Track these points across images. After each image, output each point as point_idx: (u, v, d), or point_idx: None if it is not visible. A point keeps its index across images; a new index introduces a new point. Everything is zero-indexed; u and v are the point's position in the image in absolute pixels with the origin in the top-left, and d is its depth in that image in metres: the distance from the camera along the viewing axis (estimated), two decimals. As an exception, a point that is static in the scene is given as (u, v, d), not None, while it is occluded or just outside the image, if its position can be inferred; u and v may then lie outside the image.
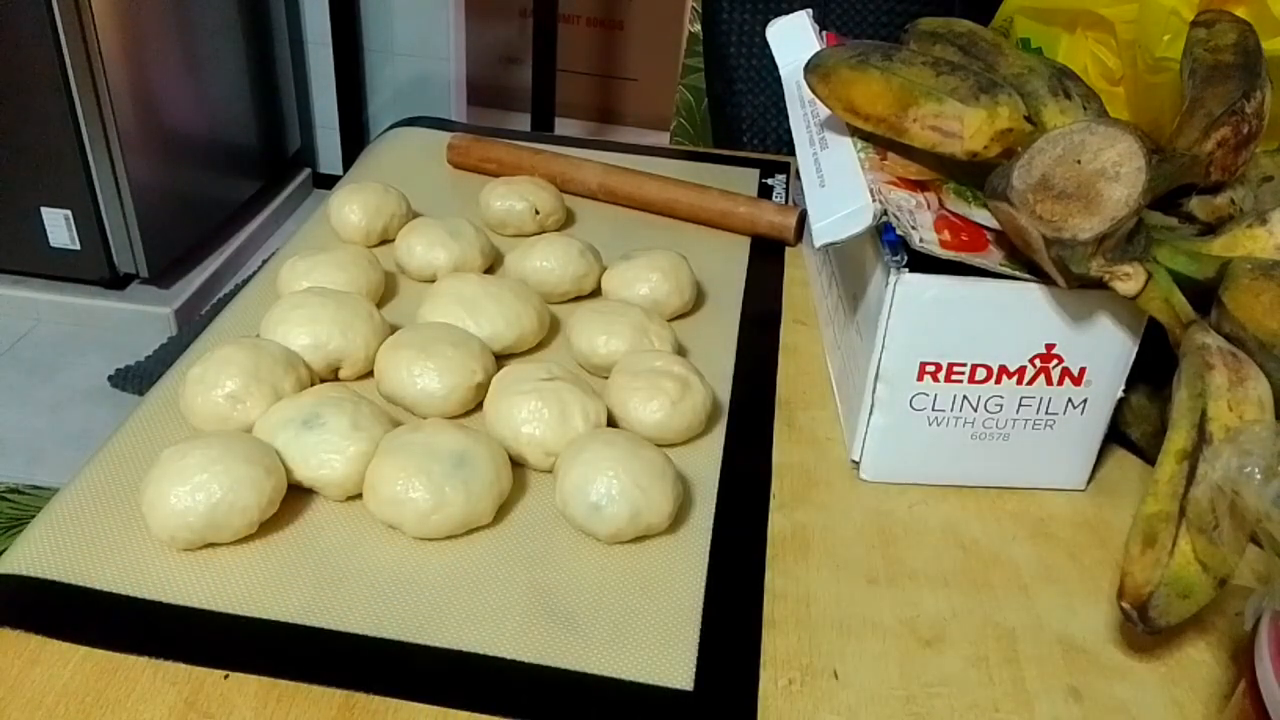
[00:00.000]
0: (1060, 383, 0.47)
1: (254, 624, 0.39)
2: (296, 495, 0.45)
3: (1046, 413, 0.48)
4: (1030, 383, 0.47)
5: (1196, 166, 0.47)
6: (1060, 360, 0.46)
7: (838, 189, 0.50)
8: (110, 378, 1.73)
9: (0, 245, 1.81)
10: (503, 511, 0.45)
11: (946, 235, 0.45)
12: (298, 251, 0.60)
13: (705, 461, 0.50)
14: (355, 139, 2.22)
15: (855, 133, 0.53)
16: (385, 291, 0.60)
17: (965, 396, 0.47)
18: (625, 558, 0.44)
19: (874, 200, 0.47)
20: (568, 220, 0.71)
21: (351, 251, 0.60)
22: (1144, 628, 0.38)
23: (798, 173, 0.55)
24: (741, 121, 1.09)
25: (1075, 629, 0.43)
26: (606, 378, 0.52)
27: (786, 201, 0.78)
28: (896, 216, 0.45)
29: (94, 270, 1.83)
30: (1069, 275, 0.42)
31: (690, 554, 0.44)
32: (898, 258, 0.45)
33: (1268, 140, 0.49)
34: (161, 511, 0.41)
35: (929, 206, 0.47)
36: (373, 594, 0.41)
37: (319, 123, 2.29)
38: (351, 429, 0.45)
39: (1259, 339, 0.39)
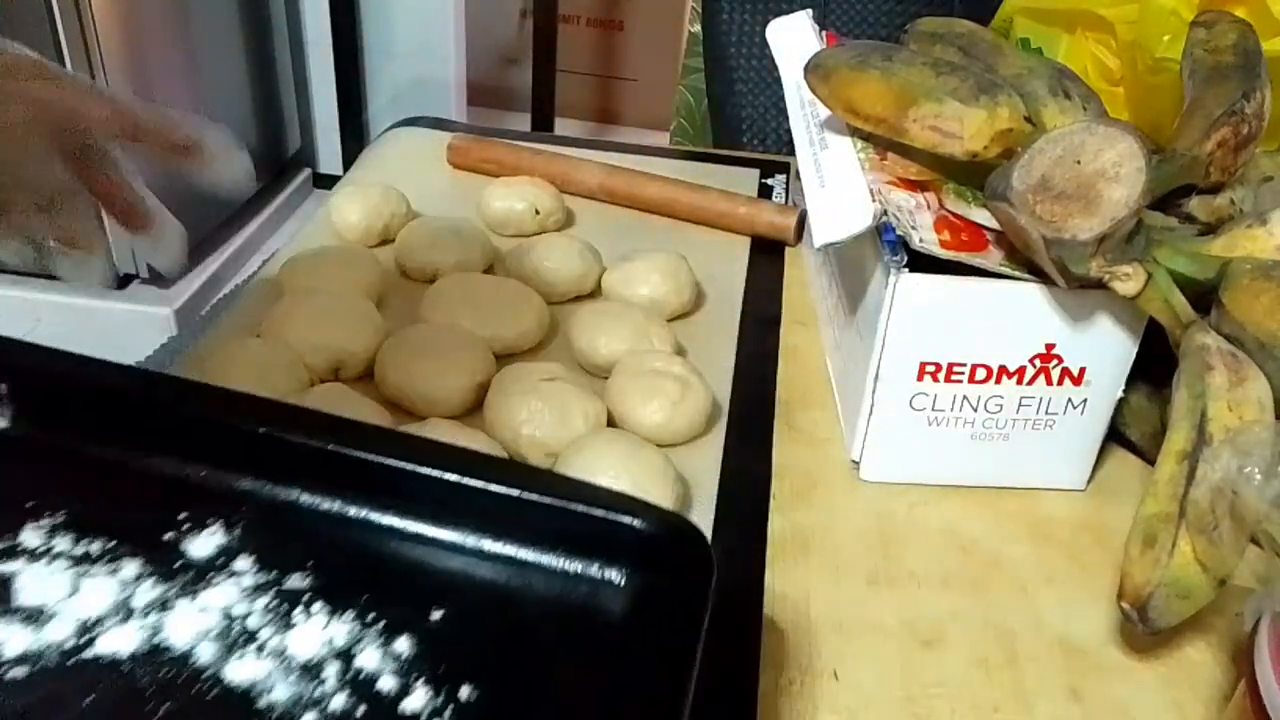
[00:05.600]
0: (1060, 383, 0.47)
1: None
2: (296, 495, 0.45)
3: (1046, 413, 0.48)
4: (1030, 383, 0.47)
5: (1196, 167, 0.47)
6: (1060, 360, 0.46)
7: (838, 189, 0.50)
8: (110, 378, 1.73)
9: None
10: (503, 512, 0.45)
11: (946, 235, 0.45)
12: (298, 251, 0.60)
13: (705, 462, 0.50)
14: (355, 139, 2.22)
15: (855, 133, 0.53)
16: (385, 291, 0.60)
17: (965, 397, 0.47)
18: (625, 558, 0.44)
19: (874, 200, 0.47)
20: (568, 220, 0.71)
21: (352, 251, 0.60)
22: (1144, 628, 0.38)
23: (798, 173, 0.55)
24: (741, 122, 1.09)
25: (1075, 629, 0.43)
26: (606, 378, 0.52)
27: (786, 202, 0.78)
28: (896, 216, 0.45)
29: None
30: (1069, 275, 0.42)
31: (690, 554, 0.44)
32: (898, 258, 0.45)
33: (1268, 141, 0.49)
34: (161, 512, 0.41)
35: (929, 207, 0.47)
36: (373, 594, 0.41)
37: (319, 123, 2.29)
38: (351, 429, 0.45)
39: (1259, 339, 0.39)
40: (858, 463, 0.50)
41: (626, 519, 0.31)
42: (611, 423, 0.50)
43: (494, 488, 0.32)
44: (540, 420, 0.47)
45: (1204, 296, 0.42)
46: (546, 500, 0.32)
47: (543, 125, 2.07)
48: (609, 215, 0.73)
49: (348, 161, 2.22)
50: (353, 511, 0.33)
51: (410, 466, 0.32)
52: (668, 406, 0.49)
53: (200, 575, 0.31)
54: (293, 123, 2.25)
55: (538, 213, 0.68)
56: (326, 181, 2.33)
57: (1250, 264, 0.41)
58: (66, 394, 0.35)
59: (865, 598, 0.43)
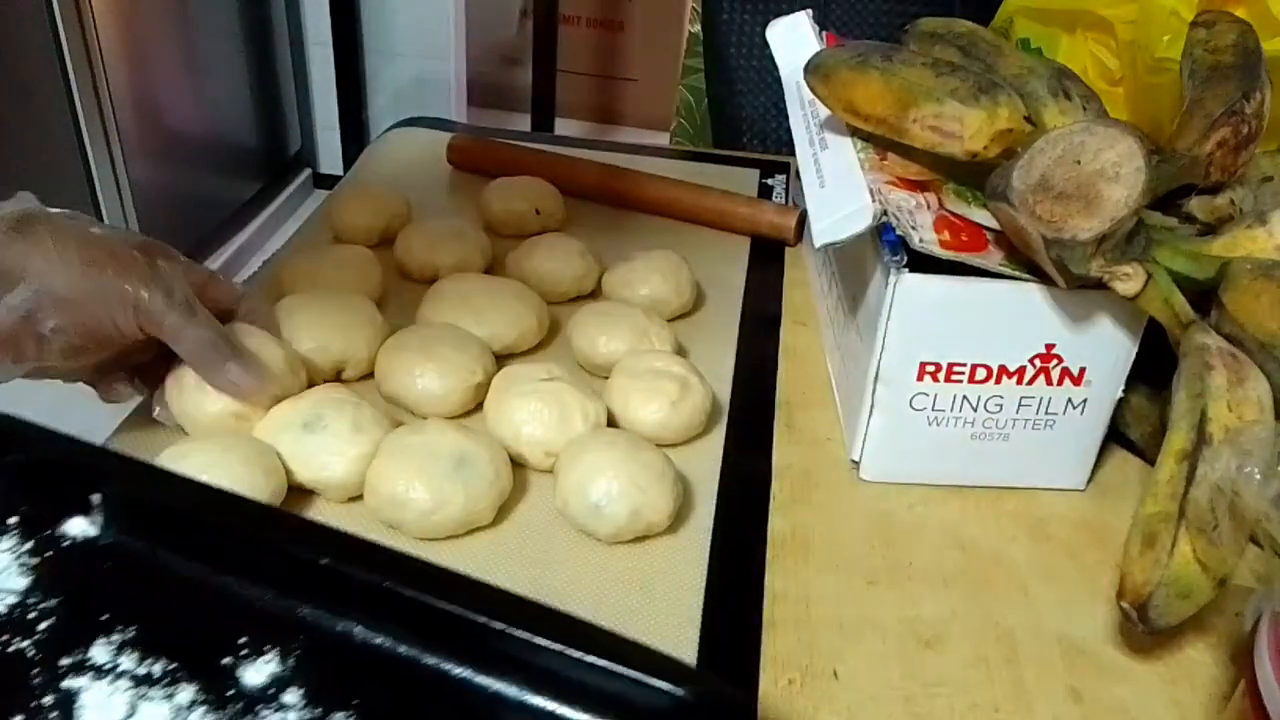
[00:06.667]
0: (1060, 383, 0.47)
1: (255, 624, 0.39)
2: (297, 496, 0.45)
3: (1046, 413, 0.48)
4: (1030, 383, 0.47)
5: (1196, 167, 0.47)
6: (1060, 360, 0.46)
7: (838, 189, 0.50)
8: (111, 378, 1.73)
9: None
10: (503, 511, 0.45)
11: (946, 235, 0.45)
12: (298, 252, 0.60)
13: (705, 461, 0.50)
14: (356, 139, 2.22)
15: (855, 133, 0.53)
16: (386, 292, 0.60)
17: (965, 396, 0.47)
18: (625, 558, 0.44)
19: (874, 200, 0.47)
20: (568, 220, 0.71)
21: (352, 252, 0.60)
22: (1144, 627, 0.38)
23: (798, 173, 0.55)
24: (741, 122, 1.09)
25: (1075, 629, 0.43)
26: (606, 378, 0.52)
27: (786, 202, 0.78)
28: (896, 217, 0.46)
29: (94, 271, 1.83)
30: (1069, 275, 0.42)
31: (690, 554, 0.44)
32: (897, 258, 0.45)
33: (1267, 141, 0.49)
34: (162, 512, 0.41)
35: (929, 207, 0.47)
36: (373, 594, 0.41)
37: (319, 123, 2.29)
38: (353, 430, 0.45)
39: (1259, 339, 0.39)
40: (858, 463, 0.50)
41: (668, 686, 0.31)
42: (611, 423, 0.50)
43: (541, 642, 0.32)
44: (540, 420, 0.47)
45: (1204, 296, 0.42)
46: (593, 660, 0.31)
47: (543, 125, 2.07)
48: (609, 215, 0.73)
49: (348, 162, 2.22)
50: (402, 650, 0.33)
51: (460, 611, 0.32)
52: (667, 406, 0.49)
53: (249, 707, 0.32)
54: (293, 123, 2.25)
55: (538, 213, 0.68)
56: (327, 182, 2.33)
57: (1250, 264, 0.41)
58: (154, 509, 0.36)
59: (865, 597, 0.43)
